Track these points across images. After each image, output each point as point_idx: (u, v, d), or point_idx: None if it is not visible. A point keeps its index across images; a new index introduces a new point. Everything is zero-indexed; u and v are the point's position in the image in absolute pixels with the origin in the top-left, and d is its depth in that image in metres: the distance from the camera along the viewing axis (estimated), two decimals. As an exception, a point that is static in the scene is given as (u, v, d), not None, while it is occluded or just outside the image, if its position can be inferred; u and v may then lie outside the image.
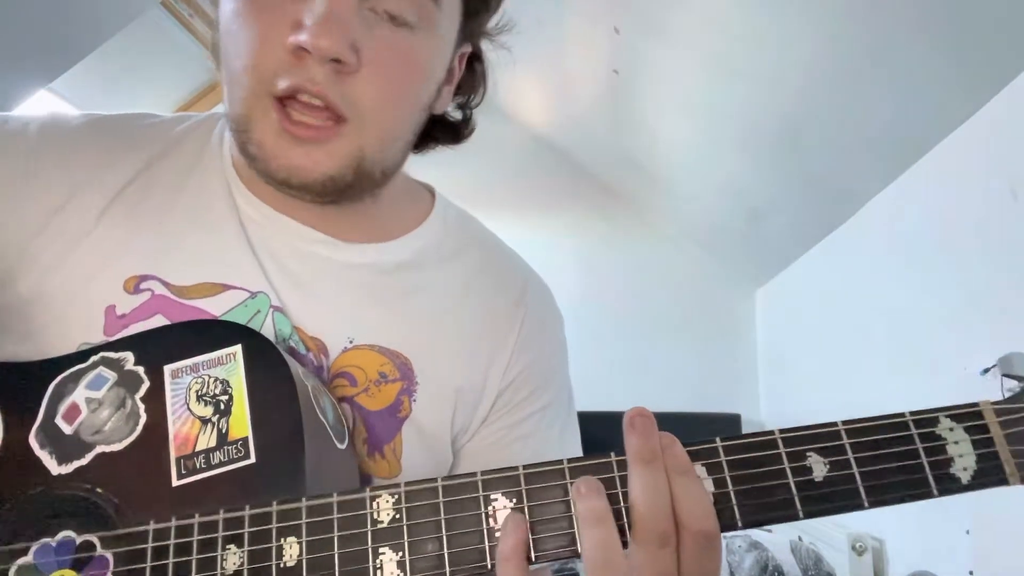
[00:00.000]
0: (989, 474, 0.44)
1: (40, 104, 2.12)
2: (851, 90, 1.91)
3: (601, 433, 0.75)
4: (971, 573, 1.64)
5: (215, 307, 0.58)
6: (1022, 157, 1.57)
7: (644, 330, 3.38)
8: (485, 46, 0.71)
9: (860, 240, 2.34)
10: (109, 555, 0.45)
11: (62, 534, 0.46)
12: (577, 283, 3.37)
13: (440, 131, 0.71)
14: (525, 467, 0.45)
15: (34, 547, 0.46)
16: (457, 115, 0.73)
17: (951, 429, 0.45)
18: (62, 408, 0.50)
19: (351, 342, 0.61)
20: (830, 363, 2.51)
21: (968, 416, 0.45)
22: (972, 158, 1.75)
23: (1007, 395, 0.46)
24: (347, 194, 0.60)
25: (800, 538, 2.34)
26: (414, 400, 0.62)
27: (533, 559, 0.43)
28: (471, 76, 0.71)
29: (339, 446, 0.55)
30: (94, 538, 0.46)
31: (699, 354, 3.32)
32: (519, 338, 0.68)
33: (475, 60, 0.71)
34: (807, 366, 2.76)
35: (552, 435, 0.68)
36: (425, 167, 0.72)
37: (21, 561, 0.45)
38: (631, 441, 0.44)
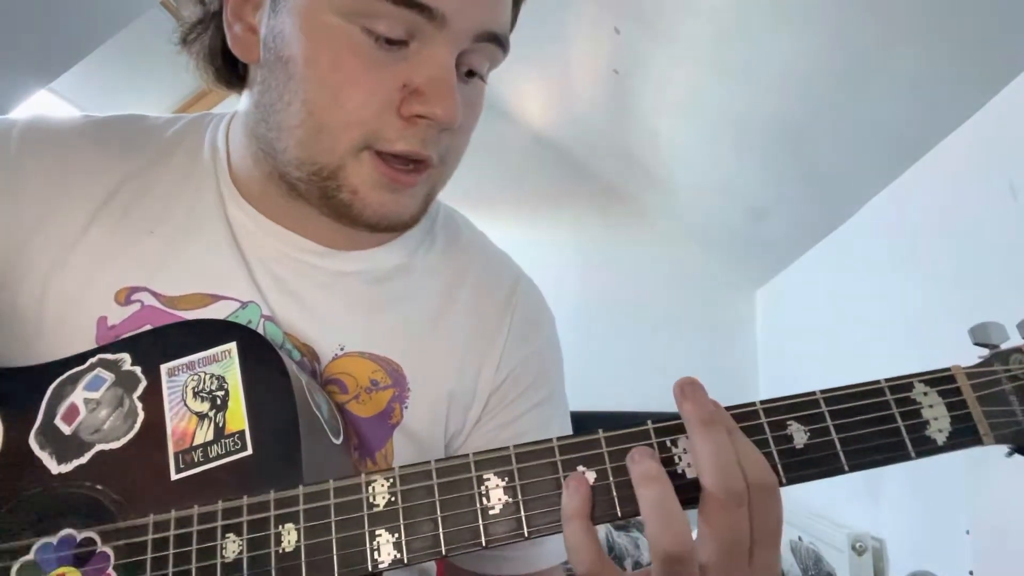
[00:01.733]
0: (964, 435, 0.46)
1: (40, 104, 2.13)
2: (851, 90, 1.91)
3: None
4: (971, 573, 1.64)
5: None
6: (1022, 157, 1.57)
7: (644, 330, 3.38)
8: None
9: (860, 240, 2.34)
10: (110, 550, 0.46)
11: (63, 532, 0.46)
12: (577, 283, 3.37)
13: None
14: (516, 447, 0.46)
15: (35, 545, 0.46)
16: None
17: (925, 393, 0.46)
18: (61, 409, 0.51)
19: (342, 349, 0.62)
20: (830, 363, 2.51)
21: (941, 380, 0.47)
22: (972, 158, 1.75)
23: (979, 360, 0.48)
24: None
25: (800, 538, 2.34)
26: (406, 407, 0.62)
27: (526, 534, 0.44)
28: None
29: (334, 441, 0.55)
30: (94, 534, 0.46)
31: (699, 354, 3.32)
32: (509, 337, 0.68)
33: None
34: (807, 366, 2.76)
35: (550, 433, 0.68)
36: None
37: (23, 559, 0.46)
38: (686, 407, 0.44)
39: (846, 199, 2.31)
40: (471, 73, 0.58)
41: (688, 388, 0.45)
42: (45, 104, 2.36)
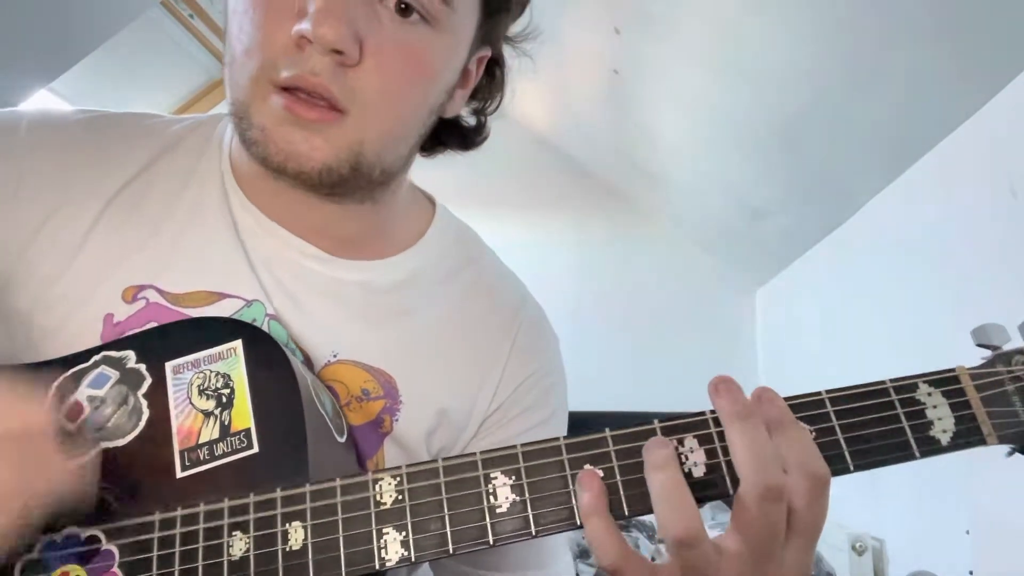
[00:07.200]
0: (968, 435, 0.46)
1: (40, 104, 2.12)
2: (851, 90, 1.91)
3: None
4: (971, 573, 1.64)
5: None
6: (1022, 157, 1.57)
7: (644, 330, 3.38)
8: (507, 52, 0.69)
9: (860, 240, 2.34)
10: (114, 548, 0.46)
11: (67, 529, 0.46)
12: (577, 283, 3.37)
13: (450, 135, 0.69)
14: (523, 446, 0.46)
15: (40, 543, 0.46)
16: (471, 121, 0.71)
17: (929, 394, 0.47)
18: (65, 407, 0.51)
19: (335, 356, 0.61)
20: (830, 363, 2.51)
21: (945, 381, 0.47)
22: (972, 158, 1.75)
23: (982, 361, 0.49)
24: (343, 190, 0.58)
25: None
26: (396, 420, 0.62)
27: (534, 533, 0.44)
28: (489, 81, 0.69)
29: (339, 439, 0.55)
30: (99, 532, 0.46)
31: (699, 354, 3.31)
32: (509, 360, 0.67)
33: (495, 65, 0.68)
34: (807, 366, 2.76)
35: None
36: (425, 166, 0.71)
37: (28, 557, 0.46)
38: (720, 403, 0.45)
39: (846, 199, 2.31)
40: (403, 13, 0.54)
41: (722, 385, 0.45)
42: (45, 104, 2.35)
